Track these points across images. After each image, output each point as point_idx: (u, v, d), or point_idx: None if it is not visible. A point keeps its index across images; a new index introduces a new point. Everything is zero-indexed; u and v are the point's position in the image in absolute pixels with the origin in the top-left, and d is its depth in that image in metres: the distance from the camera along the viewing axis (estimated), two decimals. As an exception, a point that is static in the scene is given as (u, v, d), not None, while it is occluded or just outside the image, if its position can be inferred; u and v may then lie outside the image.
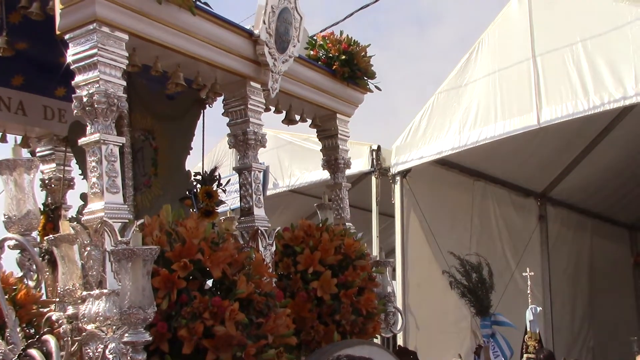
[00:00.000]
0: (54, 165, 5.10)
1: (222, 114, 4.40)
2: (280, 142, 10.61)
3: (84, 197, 4.33)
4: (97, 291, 2.57)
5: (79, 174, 4.51)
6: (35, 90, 4.72)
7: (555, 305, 11.16)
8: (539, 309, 7.96)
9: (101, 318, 2.49)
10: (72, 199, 5.08)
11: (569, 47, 7.68)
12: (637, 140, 10.28)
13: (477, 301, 7.14)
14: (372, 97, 5.09)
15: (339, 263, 4.14)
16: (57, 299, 3.52)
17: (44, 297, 3.97)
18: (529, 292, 8.17)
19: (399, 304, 8.00)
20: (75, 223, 2.73)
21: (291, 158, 10.73)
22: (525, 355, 7.65)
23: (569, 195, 11.65)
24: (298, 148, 10.52)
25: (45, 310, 3.62)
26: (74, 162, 4.88)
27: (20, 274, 4.17)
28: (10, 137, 4.93)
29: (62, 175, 5.03)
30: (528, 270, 8.34)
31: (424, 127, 8.93)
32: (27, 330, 3.40)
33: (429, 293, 9.09)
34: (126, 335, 2.31)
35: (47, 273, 4.09)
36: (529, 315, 7.73)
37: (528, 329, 7.73)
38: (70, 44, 2.90)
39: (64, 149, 5.01)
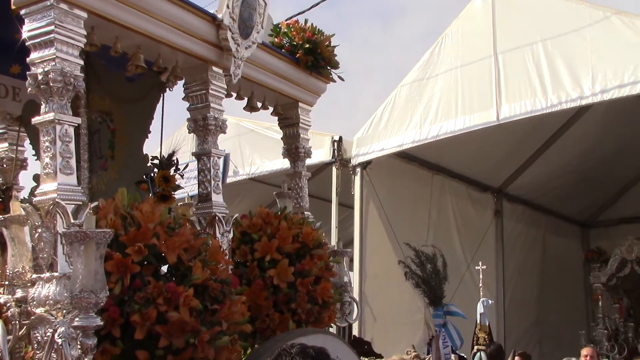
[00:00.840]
0: (6, 144, 4.95)
1: (183, 99, 4.35)
2: (242, 130, 10.54)
3: (37, 178, 4.24)
4: (47, 274, 2.51)
5: (33, 155, 4.40)
6: (-13, 67, 4.58)
7: (507, 299, 11.41)
8: (490, 301, 8.12)
9: (51, 302, 2.43)
10: (25, 180, 4.96)
11: (529, 46, 7.82)
12: (592, 139, 10.56)
13: (431, 291, 7.24)
14: (335, 88, 5.09)
15: (296, 252, 4.14)
16: (6, 282, 3.44)
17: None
18: (480, 285, 8.32)
19: (355, 294, 8.06)
20: (26, 204, 2.65)
21: (252, 146, 10.68)
22: (475, 347, 7.81)
23: (525, 192, 11.90)
24: (259, 136, 10.47)
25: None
26: (27, 142, 4.75)
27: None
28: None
29: (14, 156, 4.89)
30: (480, 264, 8.49)
31: (385, 119, 8.99)
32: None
33: (386, 284, 9.18)
34: (77, 319, 2.26)
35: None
36: (479, 308, 7.88)
37: (478, 322, 7.88)
38: (25, 20, 2.80)
39: (18, 128, 4.86)
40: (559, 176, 11.52)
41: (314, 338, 3.46)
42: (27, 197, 4.15)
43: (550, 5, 7.83)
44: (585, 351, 7.96)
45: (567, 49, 7.48)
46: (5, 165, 4.91)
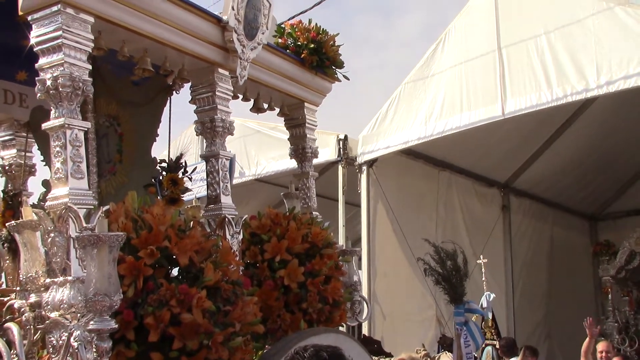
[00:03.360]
0: (14, 151, 4.98)
1: (189, 102, 4.36)
2: (247, 131, 10.55)
3: (46, 183, 4.26)
4: (61, 278, 2.52)
5: (41, 161, 4.42)
6: (-5, 74, 4.60)
7: (517, 293, 11.38)
8: (492, 295, 8.11)
9: (65, 305, 2.44)
10: (33, 185, 4.98)
11: (533, 40, 7.80)
12: (598, 131, 10.53)
13: (452, 289, 7.18)
14: (336, 85, 5.10)
15: (306, 252, 4.14)
16: (18, 288, 3.46)
17: (3, 286, 3.89)
18: (484, 279, 8.31)
19: (364, 293, 8.06)
20: (39, 209, 2.66)
21: (258, 147, 10.68)
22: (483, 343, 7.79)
23: (532, 186, 11.87)
24: (265, 137, 10.48)
25: (5, 299, 3.55)
26: (35, 148, 4.78)
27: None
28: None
29: (23, 162, 4.92)
30: (482, 257, 8.48)
31: (390, 117, 8.98)
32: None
33: (395, 282, 9.18)
34: (91, 322, 2.27)
35: (7, 261, 4.00)
36: (483, 302, 7.87)
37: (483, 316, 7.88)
38: (33, 26, 2.82)
39: (25, 134, 4.89)
40: (566, 169, 11.50)
41: (325, 338, 3.46)
42: (36, 203, 4.17)
43: (553, -3, 7.81)
44: (601, 346, 7.83)
45: (571, 41, 7.46)
46: (13, 172, 4.94)
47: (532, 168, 11.33)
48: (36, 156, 4.86)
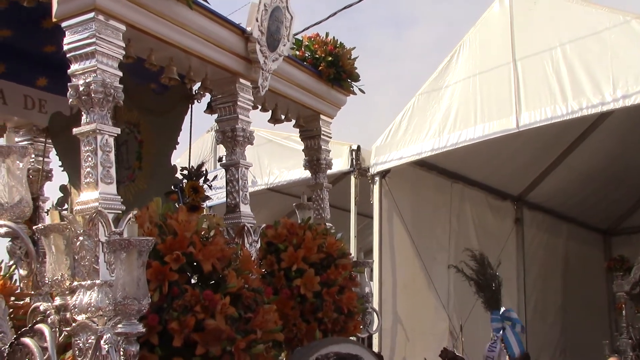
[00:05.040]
0: (32, 156, 5.03)
1: (204, 111, 4.41)
2: (260, 140, 10.56)
3: (63, 188, 4.31)
4: (89, 282, 2.55)
5: (59, 166, 4.47)
6: (16, 79, 4.65)
7: (530, 308, 11.30)
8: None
9: (93, 309, 2.47)
10: (49, 190, 5.04)
11: (548, 52, 7.78)
12: (614, 146, 10.48)
13: (492, 295, 7.16)
14: (350, 96, 5.14)
15: (321, 261, 4.17)
16: (32, 292, 3.49)
17: (18, 290, 3.92)
18: None
19: (375, 304, 8.03)
20: (68, 213, 2.70)
21: (270, 156, 10.70)
22: None
23: (545, 199, 11.80)
24: (278, 146, 10.50)
25: (20, 302, 3.58)
26: (52, 153, 4.83)
27: (11, 262, 4.11)
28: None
29: (40, 167, 4.97)
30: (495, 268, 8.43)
31: (404, 128, 8.98)
32: (5, 323, 3.35)
33: (407, 294, 9.14)
34: (119, 326, 2.30)
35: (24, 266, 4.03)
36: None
37: None
38: (67, 32, 2.87)
39: (44, 140, 4.95)
40: (580, 184, 11.43)
41: (345, 348, 3.47)
42: (52, 207, 4.21)
43: (568, 10, 7.78)
44: None
45: (587, 55, 7.44)
46: (31, 177, 4.98)
47: (546, 181, 11.27)
48: (53, 161, 4.92)
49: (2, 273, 4.03)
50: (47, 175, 5.06)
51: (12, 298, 3.64)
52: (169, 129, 4.49)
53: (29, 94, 4.80)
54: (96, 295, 2.50)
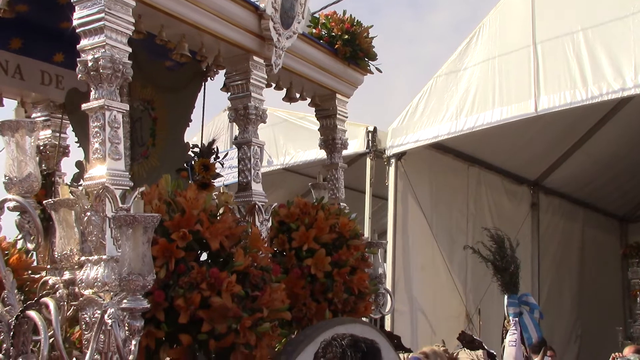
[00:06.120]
0: (49, 131, 5.06)
1: (221, 89, 4.38)
2: (276, 120, 10.55)
3: (79, 164, 4.33)
4: (95, 257, 2.57)
5: (75, 142, 4.49)
6: (33, 54, 4.66)
7: (543, 293, 11.25)
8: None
9: (99, 284, 2.49)
10: (66, 166, 5.07)
11: (569, 36, 7.64)
12: (633, 132, 10.32)
13: (510, 278, 7.07)
14: (367, 76, 5.09)
15: (333, 242, 4.17)
16: (49, 266, 3.52)
17: (35, 264, 3.97)
18: None
19: (388, 285, 8.03)
20: (76, 188, 2.71)
21: (286, 136, 10.68)
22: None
23: (562, 185, 11.69)
24: (294, 126, 10.48)
25: (36, 276, 3.62)
26: (69, 129, 4.85)
27: (18, 236, 4.15)
28: (6, 102, 4.89)
29: (57, 142, 5.00)
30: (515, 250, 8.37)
31: (421, 110, 8.90)
32: (18, 295, 3.39)
33: (422, 276, 9.13)
34: (124, 301, 2.32)
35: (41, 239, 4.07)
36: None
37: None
38: (76, 7, 2.86)
39: (61, 115, 4.97)
40: (598, 170, 11.29)
41: (352, 328, 3.48)
42: (69, 183, 4.24)
43: (591, -7, 7.66)
44: (627, 350, 7.63)
45: (609, 39, 7.30)
46: (48, 152, 5.03)
47: (563, 167, 11.15)
48: (70, 137, 4.94)
49: (18, 247, 4.08)
50: (64, 151, 5.08)
51: (29, 272, 3.68)
52: (183, 106, 4.48)
53: (46, 69, 4.81)
54: (102, 271, 2.52)
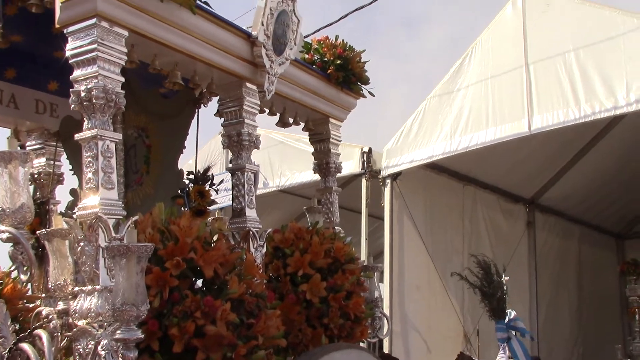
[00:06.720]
0: (43, 159, 5.07)
1: (214, 114, 4.41)
2: (272, 142, 10.59)
3: (73, 192, 4.34)
4: (89, 287, 2.56)
5: (69, 170, 4.50)
6: (27, 83, 4.69)
7: (542, 311, 11.22)
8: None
9: (93, 314, 2.48)
10: (61, 193, 5.07)
11: (561, 56, 7.72)
12: (626, 149, 10.38)
13: (497, 304, 7.05)
14: (362, 98, 5.12)
15: (328, 267, 4.16)
16: (44, 295, 3.50)
17: (29, 293, 3.95)
18: (506, 296, 8.18)
19: (385, 307, 8.00)
20: (69, 218, 2.71)
21: (282, 158, 10.72)
22: None
23: (558, 203, 11.72)
24: (289, 148, 10.51)
25: (31, 305, 3.60)
26: (64, 157, 4.86)
27: (11, 267, 4.14)
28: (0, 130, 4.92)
29: (51, 170, 5.01)
30: (503, 275, 8.38)
31: (415, 130, 8.94)
32: (13, 326, 3.38)
33: (419, 297, 9.10)
34: (118, 332, 2.30)
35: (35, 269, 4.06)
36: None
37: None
38: (69, 38, 2.89)
39: (55, 143, 4.98)
40: (593, 187, 11.34)
41: (348, 353, 3.46)
42: (63, 211, 4.24)
43: (582, 14, 7.72)
44: None
45: (601, 58, 7.37)
46: (42, 180, 5.03)
47: (558, 185, 11.19)
48: (64, 165, 4.95)
49: (12, 276, 4.06)
50: (59, 179, 5.08)
51: (24, 301, 3.66)
52: (176, 133, 4.50)
53: (40, 98, 4.84)
54: (96, 301, 2.51)
